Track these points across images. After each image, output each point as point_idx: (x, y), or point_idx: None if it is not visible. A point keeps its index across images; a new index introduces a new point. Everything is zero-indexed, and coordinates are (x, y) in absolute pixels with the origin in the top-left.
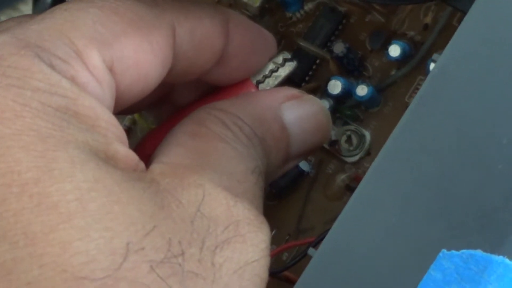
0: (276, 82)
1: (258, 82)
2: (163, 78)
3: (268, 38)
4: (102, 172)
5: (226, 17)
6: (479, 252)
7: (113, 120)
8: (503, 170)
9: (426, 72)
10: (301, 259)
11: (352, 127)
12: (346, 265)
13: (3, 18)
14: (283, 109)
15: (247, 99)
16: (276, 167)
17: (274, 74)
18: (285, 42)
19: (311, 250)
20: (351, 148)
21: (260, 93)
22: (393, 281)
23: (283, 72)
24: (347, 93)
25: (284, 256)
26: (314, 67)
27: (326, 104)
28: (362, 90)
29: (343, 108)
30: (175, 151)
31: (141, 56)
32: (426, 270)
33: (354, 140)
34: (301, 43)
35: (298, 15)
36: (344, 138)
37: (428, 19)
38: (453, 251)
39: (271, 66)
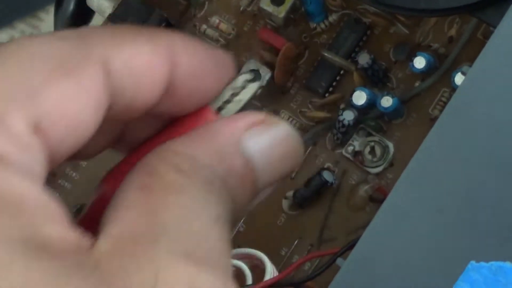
0: (238, 107)
1: (219, 109)
2: (102, 120)
3: (223, 60)
4: (34, 268)
5: (171, 41)
6: (508, 264)
7: (42, 196)
8: None
9: (451, 84)
10: (326, 269)
11: (375, 138)
12: (375, 276)
13: (23, 26)
14: (245, 140)
15: (204, 134)
16: (243, 205)
17: (235, 98)
18: (309, 53)
19: (339, 260)
20: (375, 159)
21: (218, 125)
22: None
23: (246, 95)
24: (372, 104)
25: (306, 266)
26: (338, 78)
27: (350, 115)
28: (387, 102)
29: (367, 119)
30: (125, 216)
31: (69, 106)
32: (455, 281)
33: (378, 151)
34: (326, 54)
35: (322, 25)
36: (367, 149)
37: (452, 32)
38: (482, 263)
39: (231, 90)
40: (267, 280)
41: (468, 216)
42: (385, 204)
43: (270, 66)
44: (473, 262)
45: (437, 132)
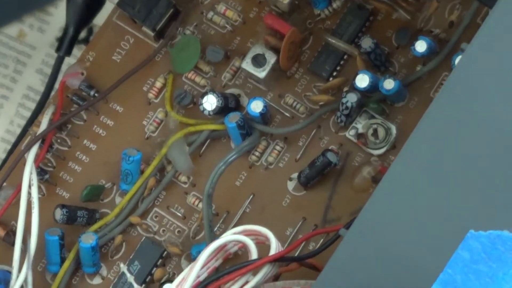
0: None
1: None
2: None
3: None
4: None
5: None
6: (506, 233)
7: None
8: None
9: (452, 68)
10: (330, 245)
11: (378, 121)
12: (376, 245)
13: (32, 20)
14: None
15: None
16: None
17: None
18: (313, 38)
19: (342, 231)
20: (378, 141)
21: None
22: (422, 260)
23: None
24: (374, 87)
25: (311, 246)
26: (341, 62)
27: (353, 97)
28: (389, 84)
29: (370, 102)
30: None
31: None
32: (454, 250)
33: (381, 133)
34: (329, 39)
35: (326, 12)
36: (370, 131)
37: (453, 17)
38: (481, 232)
39: None
40: (272, 255)
41: (467, 186)
42: (386, 175)
43: (275, 51)
44: (472, 231)
45: (437, 104)
